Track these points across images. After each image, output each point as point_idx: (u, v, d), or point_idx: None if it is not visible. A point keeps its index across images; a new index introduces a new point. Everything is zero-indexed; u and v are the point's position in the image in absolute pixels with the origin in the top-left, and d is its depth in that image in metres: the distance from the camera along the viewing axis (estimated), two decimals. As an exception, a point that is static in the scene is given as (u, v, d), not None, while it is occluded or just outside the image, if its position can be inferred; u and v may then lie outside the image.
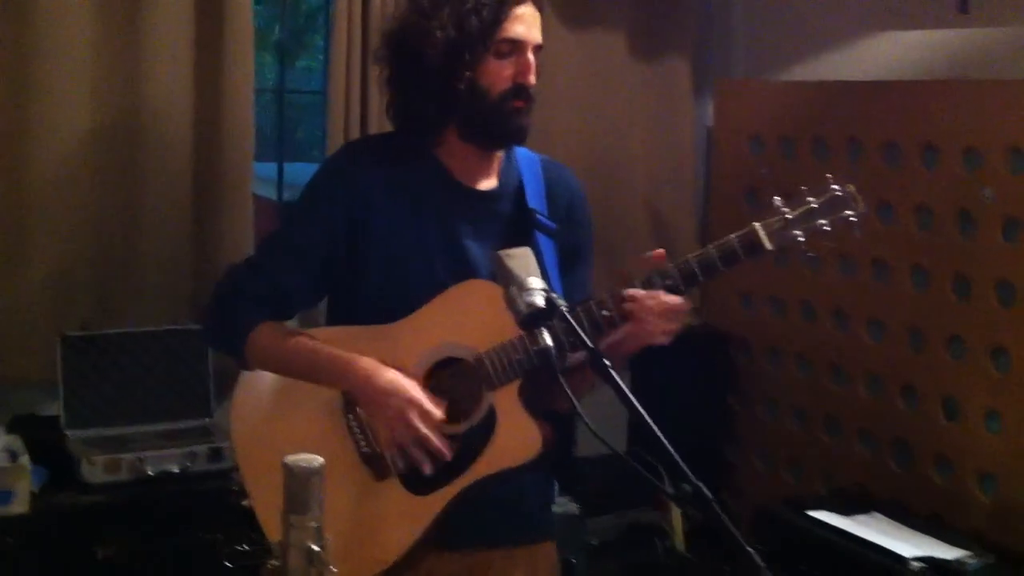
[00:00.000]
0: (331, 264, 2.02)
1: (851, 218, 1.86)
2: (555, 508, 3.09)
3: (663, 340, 1.90)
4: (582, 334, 1.62)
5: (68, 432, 2.86)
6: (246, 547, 2.64)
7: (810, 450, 3.53)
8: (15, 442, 2.75)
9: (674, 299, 1.87)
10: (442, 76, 1.95)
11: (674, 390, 3.69)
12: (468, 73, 1.94)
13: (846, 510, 2.98)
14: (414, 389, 1.91)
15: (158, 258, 3.11)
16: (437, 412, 1.89)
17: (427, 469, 1.90)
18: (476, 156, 2.04)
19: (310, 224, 2.02)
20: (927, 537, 2.84)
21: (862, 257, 3.30)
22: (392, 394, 1.90)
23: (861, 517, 2.95)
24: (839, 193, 1.86)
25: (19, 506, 2.55)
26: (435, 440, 1.89)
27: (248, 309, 2.01)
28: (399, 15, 2.09)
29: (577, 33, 3.69)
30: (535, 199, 2.08)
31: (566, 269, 2.10)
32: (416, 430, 1.88)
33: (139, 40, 3.02)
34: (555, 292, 1.66)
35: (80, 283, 3.02)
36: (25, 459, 2.63)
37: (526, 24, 1.95)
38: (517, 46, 1.95)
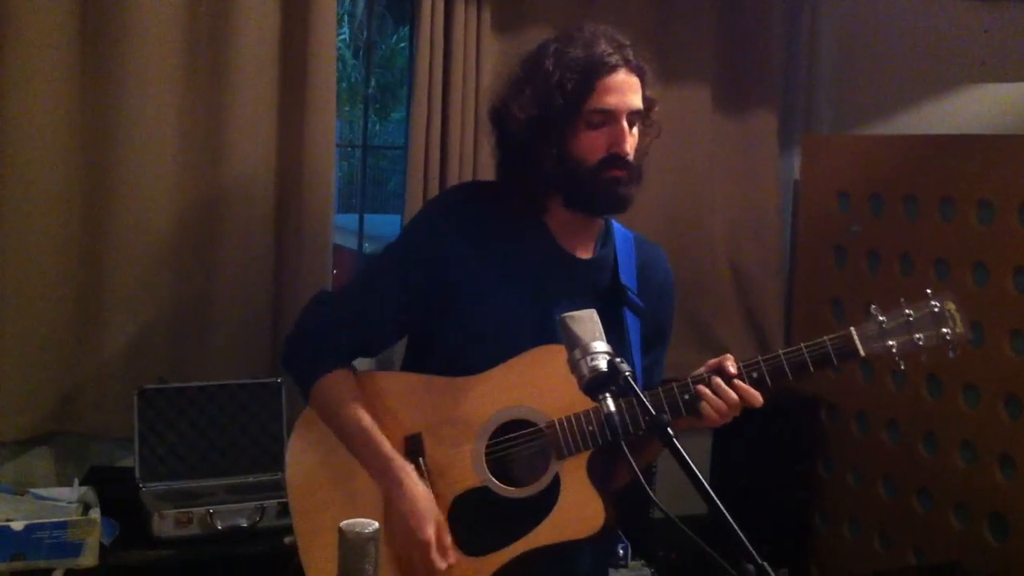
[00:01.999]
0: (414, 308, 2.00)
1: (947, 336, 1.84)
2: (626, 573, 3.04)
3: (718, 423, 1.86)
4: (644, 399, 1.56)
5: (142, 485, 2.87)
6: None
7: (901, 521, 3.38)
8: (88, 494, 2.77)
9: (754, 395, 1.84)
10: (530, 152, 1.93)
11: (761, 455, 3.60)
12: (555, 149, 1.91)
13: (935, 585, 2.84)
14: (428, 524, 1.89)
15: (237, 312, 3.12)
16: (441, 562, 1.88)
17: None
18: (579, 223, 2.02)
19: (402, 267, 2.02)
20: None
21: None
22: (408, 517, 1.89)
23: (952, 594, 2.80)
24: (936, 309, 1.84)
25: (88, 559, 2.55)
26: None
27: (322, 353, 2.01)
28: (499, 86, 2.06)
29: (659, 86, 3.62)
30: (627, 275, 2.05)
31: (646, 349, 2.07)
32: (423, 562, 1.89)
33: (223, 96, 3.06)
34: (620, 358, 1.60)
35: (159, 337, 3.05)
36: (96, 512, 2.63)
37: (618, 93, 1.90)
38: (610, 115, 1.90)
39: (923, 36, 3.48)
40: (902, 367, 1.84)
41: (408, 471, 1.92)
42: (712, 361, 1.86)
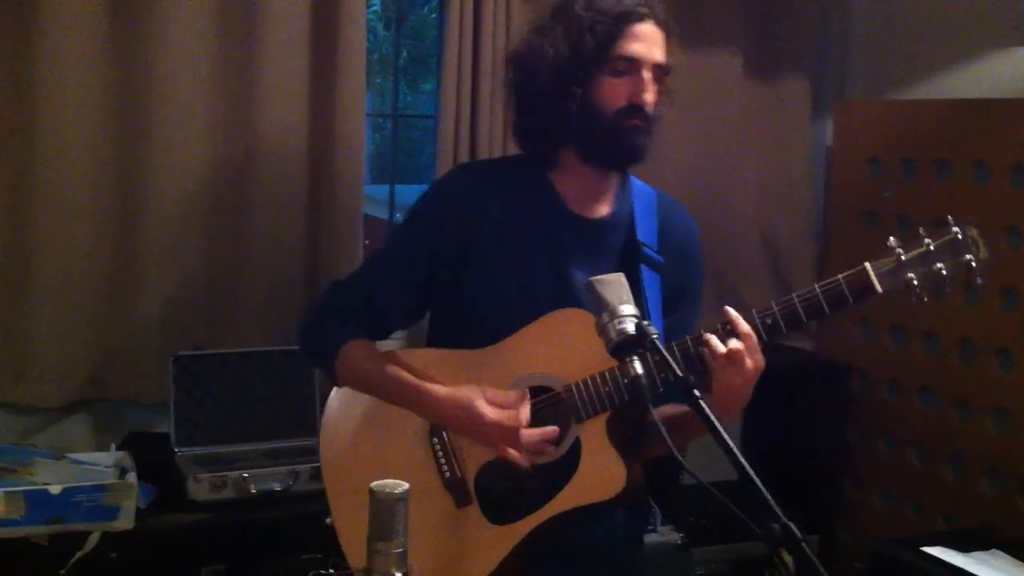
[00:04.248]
0: (430, 286, 2.01)
1: (971, 263, 1.72)
2: (657, 537, 3.05)
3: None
4: (672, 362, 1.56)
5: (177, 450, 2.91)
6: (331, 571, 2.63)
7: (932, 487, 3.37)
8: (125, 459, 2.81)
9: (735, 347, 1.75)
10: (555, 94, 1.92)
11: (791, 423, 3.59)
12: (580, 90, 1.90)
13: (965, 547, 2.83)
14: (520, 409, 1.85)
15: (270, 279, 3.16)
16: (524, 413, 1.84)
17: (524, 462, 1.85)
18: (592, 180, 2.01)
19: (414, 245, 2.02)
20: (1054, 579, 2.68)
21: (990, 283, 3.14)
22: (467, 408, 1.86)
23: (980, 555, 2.79)
24: (959, 235, 1.73)
25: (124, 522, 2.59)
26: (532, 437, 1.84)
27: (339, 325, 2.02)
28: (524, 35, 2.06)
29: (690, 54, 3.61)
30: (646, 233, 2.03)
31: (670, 309, 2.03)
32: (506, 429, 1.84)
33: (254, 68, 3.08)
34: (649, 321, 1.61)
35: (194, 305, 3.09)
36: (132, 476, 2.68)
37: (645, 42, 1.91)
38: (634, 64, 1.90)
39: (956, 0, 3.44)
40: (925, 300, 1.74)
41: (451, 389, 1.90)
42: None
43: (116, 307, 3.02)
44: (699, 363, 1.80)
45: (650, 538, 2.98)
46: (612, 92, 1.90)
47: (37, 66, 2.86)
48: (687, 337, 1.82)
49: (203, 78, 3.03)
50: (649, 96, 1.91)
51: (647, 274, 2.00)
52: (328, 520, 2.07)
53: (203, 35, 3.02)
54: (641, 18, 1.91)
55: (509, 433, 1.84)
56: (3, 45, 2.86)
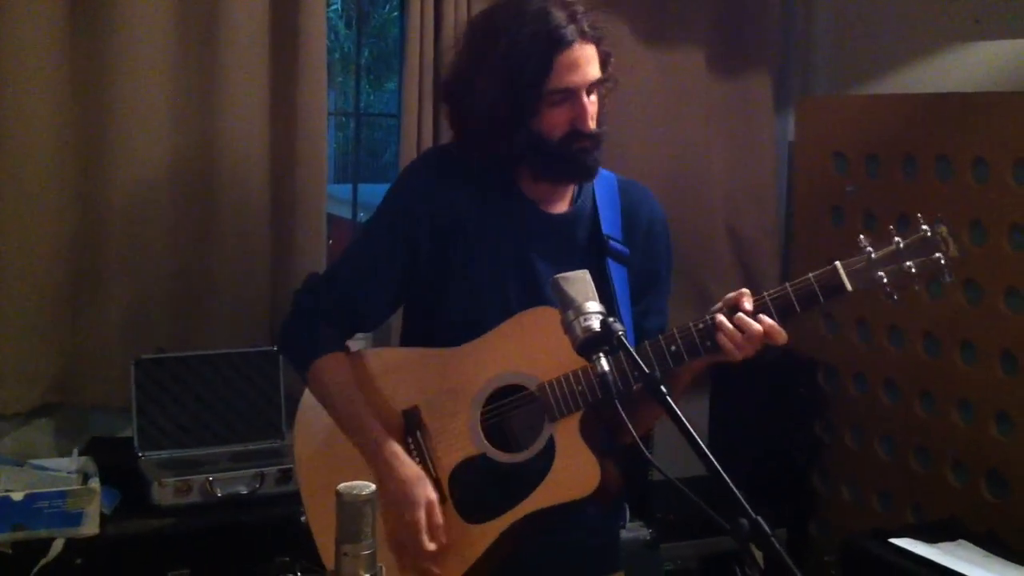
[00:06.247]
0: (411, 272, 2.00)
1: (940, 261, 1.74)
2: (626, 533, 3.05)
3: (737, 358, 1.81)
4: (636, 358, 1.56)
5: (141, 454, 2.87)
6: (299, 575, 2.61)
7: (900, 480, 3.39)
8: (88, 464, 2.77)
9: (779, 331, 1.78)
10: (493, 132, 1.91)
11: (759, 417, 3.60)
12: (518, 130, 1.90)
13: (932, 538, 2.85)
14: (417, 508, 1.88)
15: (234, 280, 3.12)
16: (429, 544, 1.88)
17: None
18: (550, 184, 2.01)
19: (389, 236, 2.02)
20: (1018, 567, 2.69)
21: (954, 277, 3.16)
22: (398, 501, 1.90)
23: (947, 545, 2.81)
24: (928, 234, 1.75)
25: (89, 528, 2.55)
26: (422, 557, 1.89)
27: (318, 330, 2.02)
28: (452, 62, 2.03)
29: (654, 51, 3.63)
30: (609, 224, 2.03)
31: (640, 296, 2.04)
32: (412, 545, 1.89)
33: (215, 66, 3.04)
34: (614, 317, 1.60)
35: (157, 308, 3.05)
36: (95, 481, 2.64)
37: (576, 69, 1.88)
38: (570, 92, 1.88)
39: (917, -6, 3.47)
40: (895, 298, 1.76)
41: (397, 453, 1.92)
42: (730, 295, 1.81)
43: (78, 312, 2.98)
44: (701, 345, 1.80)
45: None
46: (552, 122, 1.90)
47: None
48: (659, 336, 1.83)
49: (164, 78, 2.99)
50: (590, 120, 1.90)
51: (614, 267, 2.00)
52: (302, 518, 2.06)
53: (163, 34, 2.98)
54: (568, 46, 1.86)
55: (417, 539, 1.89)
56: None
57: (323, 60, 3.18)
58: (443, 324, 1.99)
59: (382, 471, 1.92)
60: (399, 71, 3.38)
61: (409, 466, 1.91)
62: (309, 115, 3.16)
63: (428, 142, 3.29)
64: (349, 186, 3.73)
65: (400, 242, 1.99)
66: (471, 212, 1.98)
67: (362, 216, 3.67)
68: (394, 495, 1.89)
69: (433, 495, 1.90)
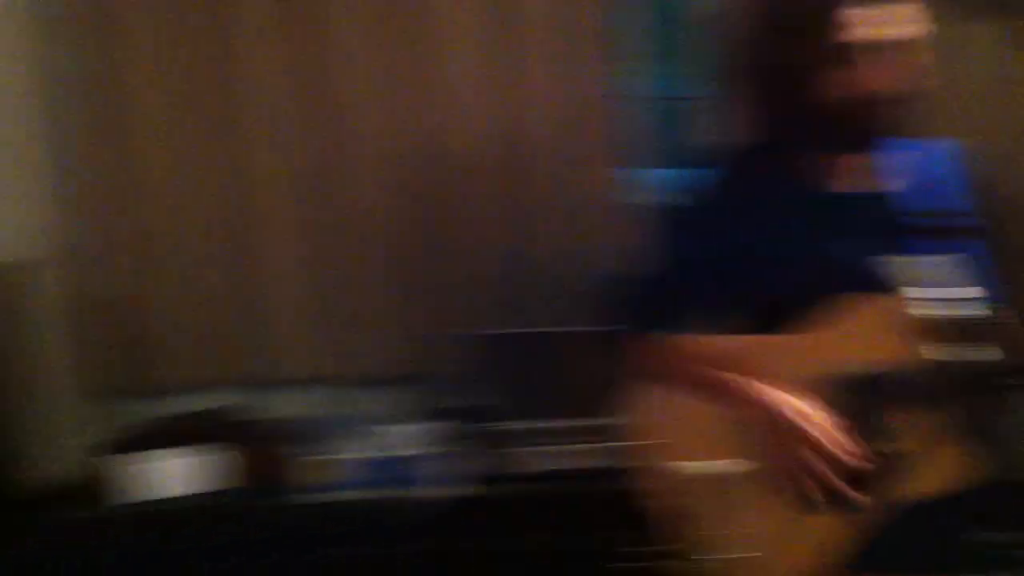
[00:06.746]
0: (719, 272, 1.98)
1: None
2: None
3: None
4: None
5: (487, 425, 3.02)
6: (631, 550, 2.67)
7: None
8: (437, 431, 3.00)
9: None
10: (792, 98, 1.85)
11: None
12: (818, 90, 1.81)
13: None
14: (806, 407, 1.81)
15: (555, 262, 3.31)
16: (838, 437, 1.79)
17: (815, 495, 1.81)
18: (843, 158, 1.92)
19: (699, 234, 2.00)
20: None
21: None
22: (784, 407, 1.82)
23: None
24: None
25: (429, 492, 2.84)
26: (842, 458, 1.79)
27: (642, 321, 2.05)
28: (743, 38, 1.95)
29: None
30: (915, 195, 1.91)
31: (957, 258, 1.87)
32: (814, 450, 1.80)
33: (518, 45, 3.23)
34: (971, 300, 1.53)
35: (490, 291, 3.30)
36: (453, 447, 2.89)
37: (881, 23, 1.77)
38: (874, 49, 1.78)
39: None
40: None
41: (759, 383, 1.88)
42: None
43: (430, 291, 3.29)
44: None
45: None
46: (856, 83, 1.79)
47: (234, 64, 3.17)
48: None
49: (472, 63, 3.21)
50: (901, 82, 1.80)
51: (930, 243, 1.87)
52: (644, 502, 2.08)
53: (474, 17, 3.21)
54: None
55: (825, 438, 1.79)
56: (207, 49, 3.16)
57: (612, 38, 3.29)
58: (753, 314, 1.97)
59: (756, 396, 1.86)
60: (692, 55, 3.43)
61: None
62: (599, 99, 3.29)
63: (721, 125, 3.28)
64: (657, 170, 3.74)
65: (710, 237, 1.97)
66: (767, 204, 1.92)
67: (659, 201, 3.65)
68: (775, 401, 1.83)
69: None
